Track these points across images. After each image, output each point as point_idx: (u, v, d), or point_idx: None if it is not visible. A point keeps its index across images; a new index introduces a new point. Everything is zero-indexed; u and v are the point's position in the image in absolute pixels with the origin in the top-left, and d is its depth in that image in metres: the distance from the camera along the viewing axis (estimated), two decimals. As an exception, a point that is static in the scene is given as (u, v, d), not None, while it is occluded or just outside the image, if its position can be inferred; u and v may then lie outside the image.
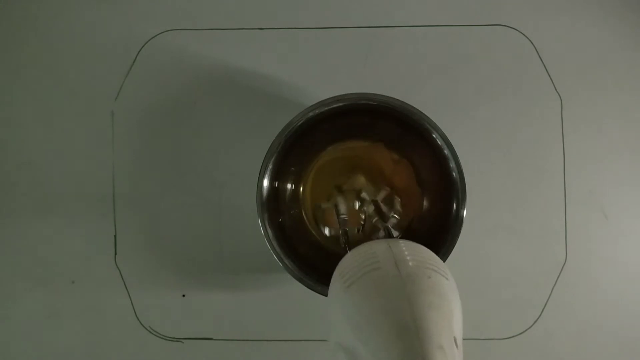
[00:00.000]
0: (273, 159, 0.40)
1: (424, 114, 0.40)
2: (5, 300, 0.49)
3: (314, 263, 0.42)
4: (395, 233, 0.42)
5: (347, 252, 0.35)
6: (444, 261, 0.37)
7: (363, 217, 0.44)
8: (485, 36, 0.49)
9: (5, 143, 0.49)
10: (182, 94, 0.49)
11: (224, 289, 0.49)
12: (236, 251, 0.48)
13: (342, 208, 0.43)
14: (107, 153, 0.49)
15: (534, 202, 0.49)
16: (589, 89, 0.49)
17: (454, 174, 0.40)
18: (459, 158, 0.40)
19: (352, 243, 0.38)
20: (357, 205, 0.44)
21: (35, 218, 0.49)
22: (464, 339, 0.27)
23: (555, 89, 0.49)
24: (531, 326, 0.49)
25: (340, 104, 0.40)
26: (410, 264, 0.29)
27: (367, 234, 0.44)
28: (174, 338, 0.48)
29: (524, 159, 0.49)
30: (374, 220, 0.43)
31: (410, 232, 0.44)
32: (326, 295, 0.40)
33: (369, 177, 0.44)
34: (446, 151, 0.40)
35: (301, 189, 0.44)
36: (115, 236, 0.49)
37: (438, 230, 0.41)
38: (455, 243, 0.40)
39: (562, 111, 0.49)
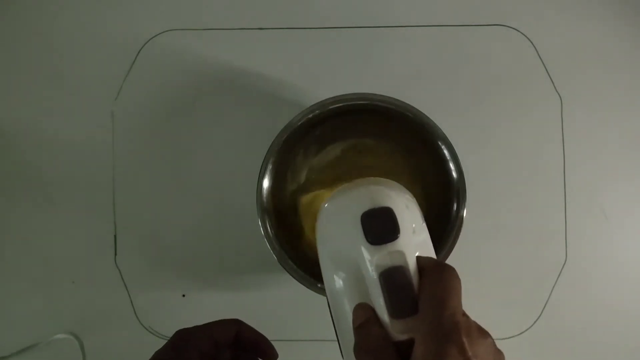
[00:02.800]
0: (273, 159, 0.40)
1: (424, 114, 0.40)
2: (5, 300, 0.49)
3: (314, 263, 0.42)
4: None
5: None
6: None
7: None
8: (485, 36, 0.49)
9: (5, 143, 0.49)
10: (182, 94, 0.49)
11: (224, 289, 0.49)
12: (236, 251, 0.48)
13: None
14: (107, 153, 0.49)
15: (534, 202, 0.49)
16: (589, 89, 0.49)
17: (454, 174, 0.40)
18: (459, 158, 0.40)
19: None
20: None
21: (35, 218, 0.49)
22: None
23: (555, 89, 0.49)
24: (531, 326, 0.49)
25: (340, 104, 0.40)
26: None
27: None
28: (174, 338, 0.48)
29: (524, 159, 0.49)
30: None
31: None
32: (325, 296, 0.40)
33: (369, 176, 0.44)
34: (446, 151, 0.40)
35: (301, 188, 0.44)
36: (115, 236, 0.49)
37: (438, 230, 0.41)
38: (456, 243, 0.40)
39: (562, 111, 0.49)
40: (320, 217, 0.34)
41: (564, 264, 0.49)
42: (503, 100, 0.49)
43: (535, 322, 0.49)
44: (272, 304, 0.49)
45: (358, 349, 0.27)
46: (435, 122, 0.40)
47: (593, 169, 0.49)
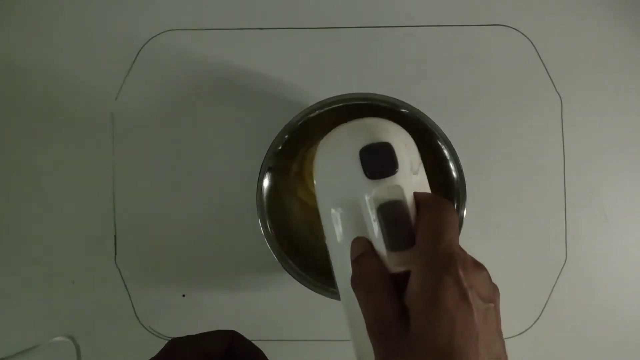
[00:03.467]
0: (273, 159, 0.40)
1: (424, 114, 0.40)
2: (6, 300, 0.49)
3: (314, 263, 0.42)
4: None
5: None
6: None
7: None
8: (485, 36, 0.49)
9: (5, 144, 0.49)
10: (182, 94, 0.49)
11: (224, 289, 0.49)
12: (236, 251, 0.48)
13: None
14: (107, 153, 0.49)
15: (534, 202, 0.49)
16: (589, 89, 0.49)
17: (454, 173, 0.40)
18: (459, 158, 0.40)
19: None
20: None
21: (36, 218, 0.49)
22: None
23: (555, 89, 0.49)
24: (531, 326, 0.49)
25: (340, 104, 0.40)
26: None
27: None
28: (174, 338, 0.48)
29: (524, 159, 0.49)
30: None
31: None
32: (325, 296, 0.40)
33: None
34: (446, 151, 0.40)
35: (301, 188, 0.44)
36: (115, 236, 0.49)
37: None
38: (455, 243, 0.40)
39: (562, 111, 0.49)
40: (318, 153, 0.33)
41: (564, 264, 0.49)
42: (503, 100, 0.49)
43: (535, 322, 0.49)
44: (272, 304, 0.49)
45: (354, 280, 0.28)
46: (435, 121, 0.40)
47: (593, 169, 0.49)
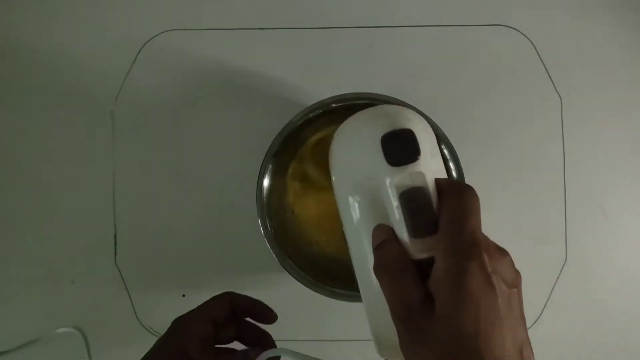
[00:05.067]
0: (273, 158, 0.40)
1: (424, 114, 0.40)
2: (6, 300, 0.49)
3: (314, 263, 0.42)
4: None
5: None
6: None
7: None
8: (485, 36, 0.49)
9: (5, 144, 0.49)
10: (182, 94, 0.49)
11: (224, 288, 0.48)
12: (236, 251, 0.48)
13: None
14: (107, 153, 0.49)
15: (534, 202, 0.49)
16: (589, 89, 0.49)
17: (454, 173, 0.40)
18: (459, 158, 0.40)
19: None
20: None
21: (36, 218, 0.49)
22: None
23: (555, 89, 0.49)
24: (531, 326, 0.49)
25: (340, 104, 0.40)
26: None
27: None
28: (174, 338, 0.49)
29: (524, 159, 0.49)
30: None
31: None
32: (325, 295, 0.40)
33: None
34: (446, 151, 0.40)
35: (301, 188, 0.44)
36: (115, 236, 0.49)
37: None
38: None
39: (562, 111, 0.49)
40: (335, 140, 0.33)
41: (564, 263, 0.49)
42: (503, 100, 0.49)
43: (535, 322, 0.49)
44: (272, 304, 0.48)
45: (377, 267, 0.28)
46: (435, 121, 0.40)
47: (593, 169, 0.49)
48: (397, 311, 0.26)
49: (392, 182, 0.27)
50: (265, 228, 0.40)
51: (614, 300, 0.49)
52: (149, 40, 0.49)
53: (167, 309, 0.48)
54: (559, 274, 0.49)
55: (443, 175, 0.31)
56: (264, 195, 0.40)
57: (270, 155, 0.40)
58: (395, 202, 0.27)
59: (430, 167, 0.28)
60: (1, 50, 0.49)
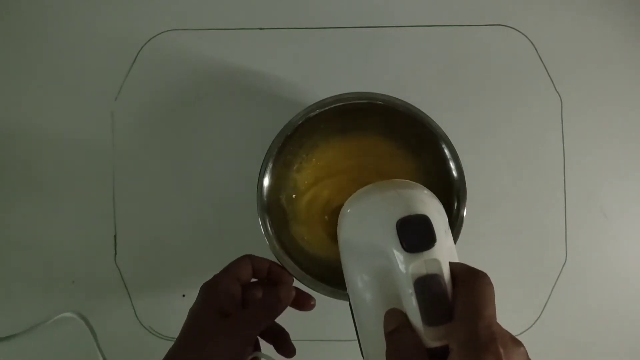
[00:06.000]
0: (273, 158, 0.40)
1: (424, 113, 0.40)
2: (5, 300, 0.49)
3: (314, 262, 0.42)
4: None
5: None
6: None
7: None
8: (485, 36, 0.49)
9: (5, 144, 0.49)
10: (182, 93, 0.49)
11: (224, 289, 0.49)
12: (236, 251, 0.48)
13: None
14: (107, 153, 0.49)
15: (534, 202, 0.49)
16: (589, 89, 0.49)
17: (454, 173, 0.40)
18: (459, 158, 0.40)
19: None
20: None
21: (36, 218, 0.48)
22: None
23: (555, 89, 0.49)
24: (531, 326, 0.49)
25: (340, 104, 0.40)
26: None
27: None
28: (174, 338, 0.48)
29: (524, 159, 0.49)
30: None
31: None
32: (326, 295, 0.40)
33: (369, 175, 0.44)
34: (446, 150, 0.40)
35: (302, 188, 0.44)
36: (115, 236, 0.49)
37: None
38: (456, 243, 0.40)
39: (562, 111, 0.49)
40: (345, 220, 0.33)
41: (564, 264, 0.49)
42: (503, 100, 0.49)
43: (535, 322, 0.49)
44: (272, 304, 0.48)
45: (391, 354, 0.28)
46: (435, 121, 0.40)
47: (593, 169, 0.49)
48: None
49: (407, 268, 0.27)
50: (265, 228, 0.40)
51: (613, 300, 0.49)
52: (149, 40, 0.49)
53: (167, 309, 0.49)
54: (559, 275, 0.49)
55: (454, 252, 0.31)
56: (264, 194, 0.40)
57: (271, 155, 0.40)
58: (409, 290, 0.27)
59: (444, 251, 0.28)
60: (2, 48, 0.49)
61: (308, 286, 0.40)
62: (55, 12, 0.49)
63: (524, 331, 0.49)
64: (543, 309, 0.49)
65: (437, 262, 0.27)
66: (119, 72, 0.49)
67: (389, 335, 0.28)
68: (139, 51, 0.49)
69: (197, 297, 0.37)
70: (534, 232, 0.49)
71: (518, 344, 0.27)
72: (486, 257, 0.49)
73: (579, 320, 0.49)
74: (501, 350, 0.25)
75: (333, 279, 0.40)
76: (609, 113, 0.49)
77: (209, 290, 0.37)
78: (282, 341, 0.39)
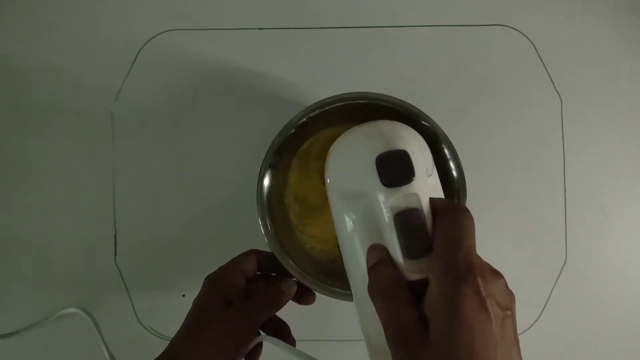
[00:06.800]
0: (273, 158, 0.40)
1: (424, 113, 0.40)
2: (5, 300, 0.49)
3: (314, 262, 0.42)
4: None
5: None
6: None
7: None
8: (485, 36, 0.49)
9: (5, 144, 0.49)
10: (182, 94, 0.49)
11: (224, 289, 0.49)
12: (236, 251, 0.48)
13: None
14: (107, 153, 0.49)
15: (534, 202, 0.49)
16: (589, 89, 0.49)
17: (454, 172, 0.40)
18: (459, 158, 0.40)
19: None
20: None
21: (36, 218, 0.48)
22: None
23: (555, 89, 0.49)
24: (531, 326, 0.49)
25: (340, 104, 0.40)
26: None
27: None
28: (174, 338, 0.48)
29: (524, 158, 0.49)
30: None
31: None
32: (326, 295, 0.40)
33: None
34: (446, 150, 0.40)
35: (301, 188, 0.44)
36: (115, 236, 0.49)
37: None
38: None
39: (562, 111, 0.49)
40: (331, 158, 0.33)
41: (564, 264, 0.49)
42: (503, 100, 0.49)
43: (535, 322, 0.49)
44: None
45: (372, 288, 0.28)
46: (435, 121, 0.40)
47: (593, 169, 0.49)
48: (391, 333, 0.26)
49: (387, 203, 0.27)
50: (265, 228, 0.40)
51: (613, 300, 0.49)
52: (149, 40, 0.49)
53: (167, 309, 0.49)
54: (559, 274, 0.49)
55: (439, 189, 0.31)
56: (264, 194, 0.40)
57: (271, 155, 0.40)
58: (389, 223, 0.27)
59: (425, 186, 0.28)
60: (1, 51, 0.49)
61: (308, 286, 0.40)
62: (55, 12, 0.49)
63: (524, 331, 0.49)
64: (543, 309, 0.49)
65: (415, 196, 0.27)
66: (119, 72, 0.49)
67: (371, 269, 0.28)
68: (139, 51, 0.49)
69: (201, 288, 0.37)
70: (533, 232, 0.49)
71: (498, 275, 0.27)
72: (486, 257, 0.48)
73: (579, 320, 0.49)
74: (479, 281, 0.25)
75: (333, 279, 0.40)
76: (609, 113, 0.49)
77: (213, 281, 0.37)
78: (283, 334, 0.40)
